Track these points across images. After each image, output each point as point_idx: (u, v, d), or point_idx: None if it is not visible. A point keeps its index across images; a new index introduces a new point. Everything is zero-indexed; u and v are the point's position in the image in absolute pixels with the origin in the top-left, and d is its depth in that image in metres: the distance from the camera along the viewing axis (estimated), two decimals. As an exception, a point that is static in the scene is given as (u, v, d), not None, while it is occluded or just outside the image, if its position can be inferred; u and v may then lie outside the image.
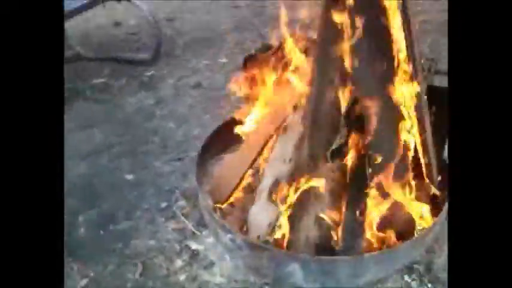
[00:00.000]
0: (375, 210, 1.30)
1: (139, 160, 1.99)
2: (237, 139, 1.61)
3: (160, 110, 2.40)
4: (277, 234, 1.29)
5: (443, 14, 3.25)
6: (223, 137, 1.67)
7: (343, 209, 1.33)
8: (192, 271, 1.45)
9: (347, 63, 1.26)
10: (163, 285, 1.42)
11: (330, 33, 1.26)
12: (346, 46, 1.25)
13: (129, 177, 1.89)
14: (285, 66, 1.51)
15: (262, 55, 1.57)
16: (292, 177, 1.33)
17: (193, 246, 1.52)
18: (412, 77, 1.27)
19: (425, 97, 1.35)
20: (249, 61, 1.57)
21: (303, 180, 1.29)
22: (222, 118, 1.82)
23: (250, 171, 1.47)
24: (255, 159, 1.46)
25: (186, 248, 1.53)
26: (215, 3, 3.87)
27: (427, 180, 1.38)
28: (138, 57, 2.89)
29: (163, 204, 1.72)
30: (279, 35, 1.52)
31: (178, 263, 1.48)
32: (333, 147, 1.29)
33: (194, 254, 1.50)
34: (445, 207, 1.32)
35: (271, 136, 1.46)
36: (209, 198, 1.46)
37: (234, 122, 1.68)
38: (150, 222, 1.65)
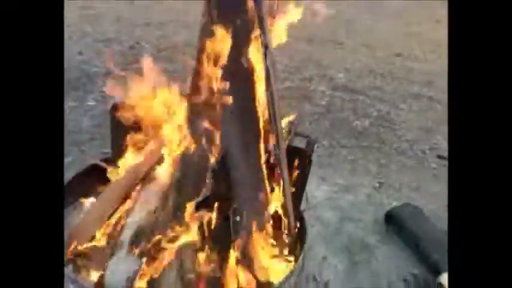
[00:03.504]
0: (237, 267, 1.33)
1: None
2: (98, 187, 1.53)
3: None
4: (136, 290, 1.22)
5: (305, 82, 3.65)
6: (84, 184, 1.57)
7: (208, 264, 1.32)
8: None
9: (216, 119, 1.32)
10: None
11: (201, 95, 1.32)
12: (216, 106, 1.31)
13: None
14: (157, 114, 1.51)
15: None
16: (156, 229, 1.29)
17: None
18: (274, 136, 1.38)
19: (285, 154, 1.47)
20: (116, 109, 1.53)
21: (171, 233, 1.26)
22: (84, 163, 1.72)
23: (111, 221, 1.39)
24: (116, 209, 1.39)
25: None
26: (88, 44, 3.74)
27: (285, 231, 1.47)
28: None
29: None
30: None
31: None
32: (200, 198, 1.30)
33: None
34: (301, 257, 1.40)
35: (135, 185, 1.42)
36: (62, 250, 1.33)
37: (97, 169, 1.60)
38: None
